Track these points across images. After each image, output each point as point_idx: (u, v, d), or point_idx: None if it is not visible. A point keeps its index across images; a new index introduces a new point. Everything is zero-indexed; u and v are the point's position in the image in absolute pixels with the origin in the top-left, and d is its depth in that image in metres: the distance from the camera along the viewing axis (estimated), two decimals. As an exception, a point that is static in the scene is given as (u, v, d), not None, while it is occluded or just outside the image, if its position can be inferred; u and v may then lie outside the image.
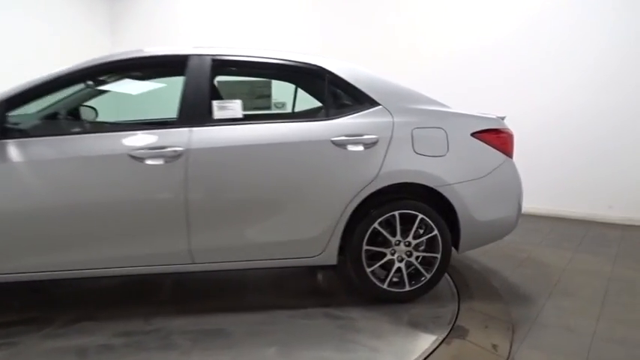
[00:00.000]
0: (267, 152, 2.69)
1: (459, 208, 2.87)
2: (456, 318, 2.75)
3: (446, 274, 3.41)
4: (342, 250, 2.87)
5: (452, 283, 3.29)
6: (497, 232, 3.11)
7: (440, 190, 2.83)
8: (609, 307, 3.03)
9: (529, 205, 5.25)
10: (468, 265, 3.75)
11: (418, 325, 2.65)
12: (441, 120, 2.91)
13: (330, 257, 2.82)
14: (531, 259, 3.98)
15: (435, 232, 2.88)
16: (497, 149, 3.00)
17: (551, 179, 5.66)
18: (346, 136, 2.75)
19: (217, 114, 2.72)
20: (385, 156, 2.77)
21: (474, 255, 3.96)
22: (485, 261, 3.88)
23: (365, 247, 2.83)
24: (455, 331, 2.59)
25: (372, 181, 2.74)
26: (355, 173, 2.75)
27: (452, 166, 2.86)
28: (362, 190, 2.74)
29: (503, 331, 2.65)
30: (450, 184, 2.84)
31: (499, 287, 3.32)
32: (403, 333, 2.57)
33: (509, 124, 3.19)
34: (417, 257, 2.91)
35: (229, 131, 2.70)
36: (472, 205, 2.90)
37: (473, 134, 2.94)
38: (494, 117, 3.11)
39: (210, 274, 3.28)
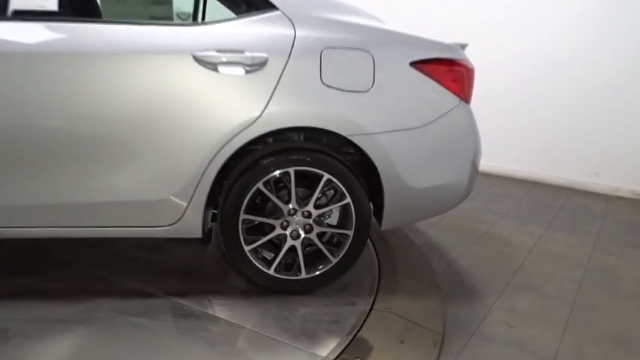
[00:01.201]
0: (92, 66, 1.77)
1: (382, 167, 2.00)
2: (362, 324, 1.92)
3: (373, 252, 2.59)
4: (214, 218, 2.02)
5: (376, 267, 2.45)
6: (438, 203, 2.25)
7: (355, 140, 1.96)
8: (580, 313, 2.24)
9: (500, 166, 4.57)
10: (407, 240, 2.90)
11: (301, 336, 1.82)
12: (368, 39, 1.98)
13: (192, 228, 1.96)
14: (491, 235, 3.16)
15: (348, 199, 2.01)
16: (448, 88, 2.10)
17: (530, 137, 4.74)
18: (218, 50, 1.82)
19: (17, 2, 1.77)
20: (277, 85, 1.86)
21: (420, 226, 3.13)
22: (433, 234, 3.05)
23: (243, 217, 1.97)
24: (353, 348, 1.76)
25: (253, 121, 1.85)
26: (229, 108, 1.85)
27: (377, 107, 1.97)
28: (237, 134, 1.85)
29: (425, 348, 1.83)
30: (370, 134, 1.95)
31: (439, 276, 2.49)
32: (278, 348, 1.74)
33: (474, 59, 2.28)
34: (321, 234, 2.07)
35: (36, 30, 1.76)
36: (403, 164, 2.03)
37: (413, 64, 2.02)
38: (449, 43, 2.19)
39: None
